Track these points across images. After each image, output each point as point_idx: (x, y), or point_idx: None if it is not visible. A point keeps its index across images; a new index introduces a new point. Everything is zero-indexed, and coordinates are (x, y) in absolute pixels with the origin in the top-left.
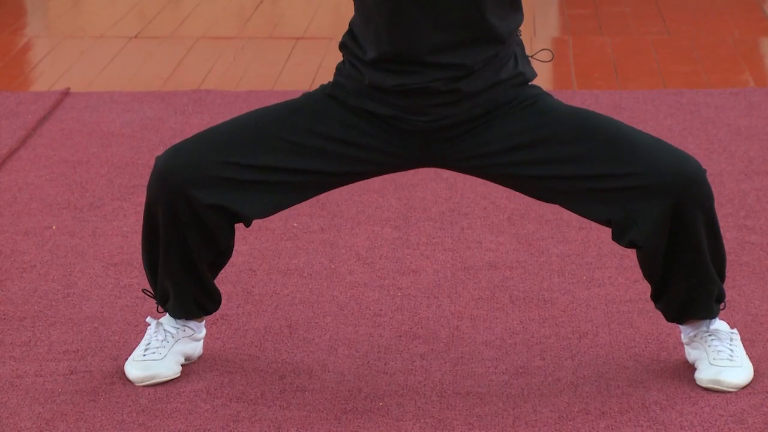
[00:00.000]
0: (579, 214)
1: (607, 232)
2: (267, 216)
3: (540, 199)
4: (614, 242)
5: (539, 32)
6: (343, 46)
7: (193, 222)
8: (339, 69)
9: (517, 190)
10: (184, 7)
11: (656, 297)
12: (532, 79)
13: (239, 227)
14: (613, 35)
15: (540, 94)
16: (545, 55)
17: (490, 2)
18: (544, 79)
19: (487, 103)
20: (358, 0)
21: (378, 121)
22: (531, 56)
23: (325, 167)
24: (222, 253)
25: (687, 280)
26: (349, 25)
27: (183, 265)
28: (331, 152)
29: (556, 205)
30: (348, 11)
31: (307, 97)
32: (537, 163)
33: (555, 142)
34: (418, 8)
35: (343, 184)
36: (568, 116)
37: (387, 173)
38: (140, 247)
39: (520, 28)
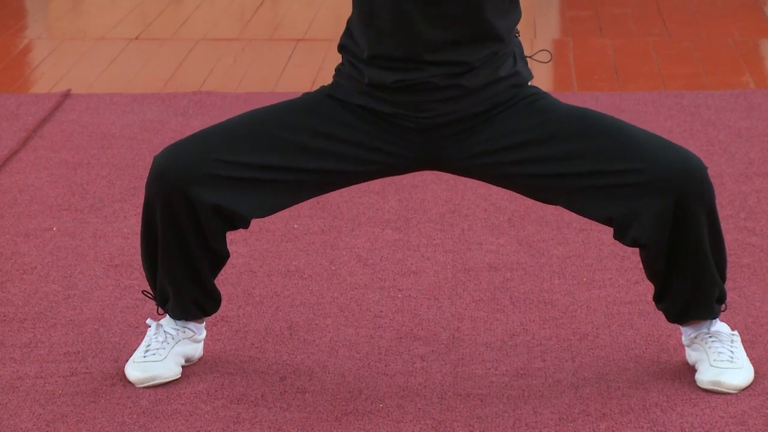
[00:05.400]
0: (580, 214)
1: (607, 233)
2: (265, 215)
3: (541, 200)
4: (615, 243)
5: (539, 34)
6: (342, 48)
7: (190, 221)
8: (338, 70)
9: (517, 191)
10: (185, 9)
11: (659, 297)
12: (529, 80)
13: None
14: (613, 37)
15: (539, 93)
16: (544, 56)
17: (489, 0)
18: (544, 80)
19: (486, 101)
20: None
21: (378, 119)
22: (530, 57)
23: (324, 166)
24: (216, 253)
25: (689, 278)
26: (347, 23)
27: (182, 265)
28: (331, 152)
29: (557, 207)
30: (348, 12)
31: (307, 97)
32: (537, 162)
33: (555, 140)
34: (419, 7)
35: (342, 186)
36: (567, 114)
37: (388, 175)
38: (139, 248)
39: (518, 29)
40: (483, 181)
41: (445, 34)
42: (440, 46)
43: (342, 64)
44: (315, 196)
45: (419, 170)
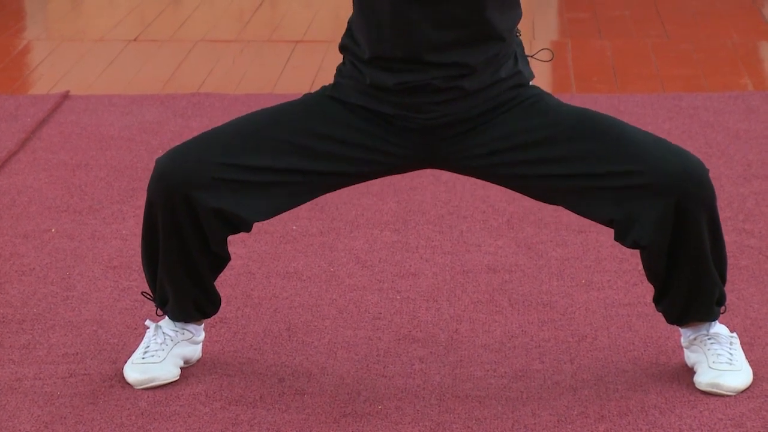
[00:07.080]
0: (581, 215)
1: (605, 235)
2: (268, 218)
3: (541, 200)
4: (614, 245)
5: (538, 35)
6: (343, 48)
7: (192, 224)
8: (339, 70)
9: (517, 191)
10: (184, 10)
11: (658, 298)
12: (530, 80)
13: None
14: (612, 39)
15: (540, 94)
16: (545, 55)
17: (490, 1)
18: (543, 81)
19: (487, 102)
20: (358, 0)
21: (379, 120)
22: (531, 56)
23: (325, 168)
24: (216, 256)
25: (689, 279)
26: (348, 24)
27: (182, 267)
28: (332, 153)
29: (556, 208)
30: (347, 14)
31: (308, 98)
32: (538, 163)
33: (556, 141)
34: (419, 8)
35: (343, 186)
36: (569, 116)
37: (389, 174)
38: (140, 249)
39: (519, 28)
40: (483, 179)
41: (446, 35)
42: (441, 47)
43: (343, 63)
44: (316, 197)
45: (419, 169)
